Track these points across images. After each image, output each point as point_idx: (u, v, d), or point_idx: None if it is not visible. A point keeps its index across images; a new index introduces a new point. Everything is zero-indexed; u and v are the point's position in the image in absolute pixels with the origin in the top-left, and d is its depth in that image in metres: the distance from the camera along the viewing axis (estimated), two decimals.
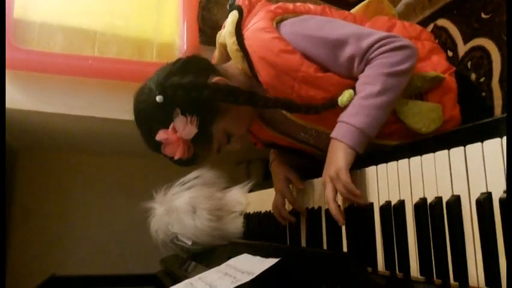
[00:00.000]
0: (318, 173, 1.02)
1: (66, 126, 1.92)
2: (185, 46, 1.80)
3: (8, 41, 1.60)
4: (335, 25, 0.94)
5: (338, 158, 0.82)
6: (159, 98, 0.87)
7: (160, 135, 0.89)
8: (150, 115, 0.91)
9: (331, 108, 0.90)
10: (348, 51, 0.89)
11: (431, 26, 1.61)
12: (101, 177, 2.47)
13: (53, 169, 2.40)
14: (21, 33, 1.68)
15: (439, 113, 0.93)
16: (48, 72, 1.69)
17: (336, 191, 0.83)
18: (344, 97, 0.88)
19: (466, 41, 1.36)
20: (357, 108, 0.85)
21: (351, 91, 0.88)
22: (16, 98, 1.64)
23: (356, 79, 0.90)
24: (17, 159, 2.31)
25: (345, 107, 0.88)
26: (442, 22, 1.52)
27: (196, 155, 0.93)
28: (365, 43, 0.88)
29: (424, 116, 0.91)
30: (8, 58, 1.57)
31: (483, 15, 1.31)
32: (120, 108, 1.70)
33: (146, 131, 0.93)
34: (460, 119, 0.96)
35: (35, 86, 1.68)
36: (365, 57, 0.88)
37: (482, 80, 1.24)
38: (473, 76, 1.11)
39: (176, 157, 0.90)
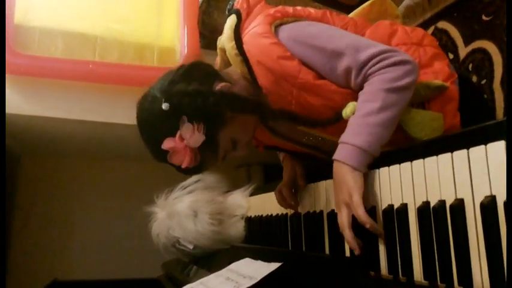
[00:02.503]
0: (321, 177, 1.02)
1: (67, 131, 1.93)
2: (186, 50, 1.81)
3: (9, 46, 1.60)
4: (333, 34, 0.92)
5: (347, 181, 0.79)
6: (165, 106, 0.85)
7: (167, 144, 0.86)
8: (155, 124, 0.89)
9: (337, 122, 0.88)
10: (345, 62, 0.87)
11: (431, 28, 1.61)
12: (102, 182, 2.47)
13: (55, 174, 2.40)
14: (22, 39, 1.68)
15: (441, 123, 0.91)
16: (49, 77, 1.69)
17: (351, 216, 0.79)
18: (348, 109, 0.85)
19: (467, 43, 1.36)
20: (358, 128, 0.81)
21: (354, 103, 0.85)
22: (18, 103, 1.65)
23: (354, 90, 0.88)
24: (19, 164, 2.31)
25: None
26: (443, 24, 1.52)
27: (203, 163, 0.91)
28: (362, 56, 0.85)
29: (426, 125, 0.89)
30: (9, 63, 1.58)
31: (484, 17, 1.31)
32: (121, 113, 1.71)
33: (151, 140, 0.91)
34: (459, 128, 0.94)
35: (36, 91, 1.69)
36: (362, 71, 0.86)
37: (483, 82, 1.24)
38: (474, 78, 1.11)
39: (184, 166, 0.88)
